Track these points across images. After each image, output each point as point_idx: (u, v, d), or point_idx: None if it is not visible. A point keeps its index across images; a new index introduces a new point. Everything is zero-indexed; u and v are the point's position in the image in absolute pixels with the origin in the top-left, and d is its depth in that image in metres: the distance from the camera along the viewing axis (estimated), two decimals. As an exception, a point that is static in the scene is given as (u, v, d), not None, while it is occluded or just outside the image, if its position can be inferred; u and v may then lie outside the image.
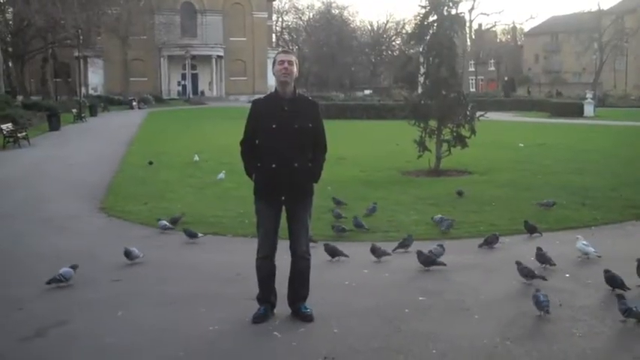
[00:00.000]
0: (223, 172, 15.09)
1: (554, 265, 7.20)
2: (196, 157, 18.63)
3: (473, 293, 6.44)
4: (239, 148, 5.81)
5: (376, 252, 7.77)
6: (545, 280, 6.54)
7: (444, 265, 7.25)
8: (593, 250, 7.63)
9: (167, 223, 9.85)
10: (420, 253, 7.32)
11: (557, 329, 5.41)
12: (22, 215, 11.37)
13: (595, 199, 11.79)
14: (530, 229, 9.11)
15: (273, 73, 5.71)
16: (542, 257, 7.28)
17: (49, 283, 6.81)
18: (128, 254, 7.75)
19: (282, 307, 5.80)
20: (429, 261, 7.24)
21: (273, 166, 5.54)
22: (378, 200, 11.51)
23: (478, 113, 16.19)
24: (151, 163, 17.99)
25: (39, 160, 20.48)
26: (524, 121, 40.73)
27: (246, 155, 5.78)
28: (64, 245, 8.98)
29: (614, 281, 6.27)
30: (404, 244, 8.25)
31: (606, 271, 6.41)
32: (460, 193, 12.34)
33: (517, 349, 5.00)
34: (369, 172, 16.38)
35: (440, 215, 10.01)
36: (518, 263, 6.76)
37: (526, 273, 6.64)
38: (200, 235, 9.25)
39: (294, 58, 5.69)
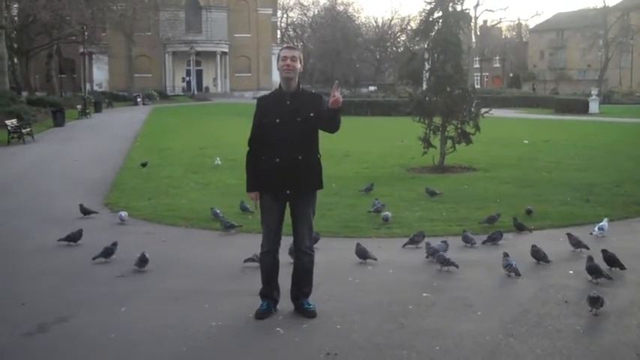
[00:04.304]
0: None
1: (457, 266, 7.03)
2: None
3: (476, 290, 6.43)
4: (247, 149, 5.73)
5: None
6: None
7: (375, 259, 7.38)
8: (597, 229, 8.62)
9: (126, 214, 10.22)
10: (358, 245, 7.54)
11: (561, 326, 5.38)
12: (26, 211, 11.38)
13: (599, 196, 11.77)
14: (519, 227, 9.14)
15: (278, 69, 5.70)
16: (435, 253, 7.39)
17: (245, 261, 7.18)
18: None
19: (285, 303, 5.80)
20: (361, 254, 7.43)
21: (277, 160, 5.54)
22: (383, 197, 11.49)
23: (483, 110, 16.15)
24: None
25: (43, 156, 20.51)
26: (529, 117, 40.59)
27: (251, 160, 5.69)
28: (67, 241, 8.98)
29: (537, 254, 7.29)
30: (414, 240, 8.23)
31: (533, 246, 7.38)
32: (432, 193, 11.95)
33: (520, 346, 4.99)
34: (374, 169, 16.37)
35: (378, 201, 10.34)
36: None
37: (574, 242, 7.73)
38: None
39: (297, 54, 5.66)
